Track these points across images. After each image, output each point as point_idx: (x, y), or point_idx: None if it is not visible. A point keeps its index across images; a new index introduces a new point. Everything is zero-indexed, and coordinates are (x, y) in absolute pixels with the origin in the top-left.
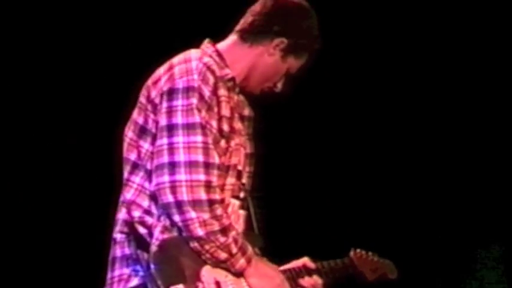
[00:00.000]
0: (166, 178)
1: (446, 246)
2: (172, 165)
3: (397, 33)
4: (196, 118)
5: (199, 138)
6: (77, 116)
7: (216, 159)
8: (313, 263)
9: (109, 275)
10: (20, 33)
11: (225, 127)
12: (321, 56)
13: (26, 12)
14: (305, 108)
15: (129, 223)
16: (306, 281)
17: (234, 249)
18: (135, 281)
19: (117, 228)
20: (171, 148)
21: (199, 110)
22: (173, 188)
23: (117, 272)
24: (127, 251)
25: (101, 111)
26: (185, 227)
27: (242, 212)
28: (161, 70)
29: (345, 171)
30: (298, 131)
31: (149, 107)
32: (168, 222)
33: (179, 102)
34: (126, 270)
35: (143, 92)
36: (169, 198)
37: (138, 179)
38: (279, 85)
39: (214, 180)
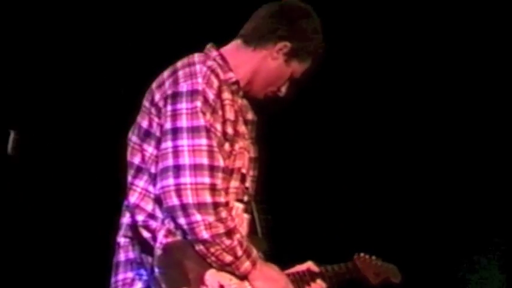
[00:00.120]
0: (171, 181)
1: (448, 249)
2: (177, 168)
3: (398, 37)
4: (201, 121)
5: (203, 141)
6: (81, 120)
7: (220, 162)
8: (317, 267)
9: (113, 279)
10: (26, 39)
11: (230, 130)
12: (325, 61)
13: (34, 18)
14: (309, 112)
15: (133, 227)
16: (310, 285)
17: (239, 252)
18: (139, 285)
19: (121, 232)
20: (176, 151)
21: (203, 113)
22: (178, 191)
23: (121, 276)
24: (131, 255)
25: (105, 115)
26: (190, 230)
27: (246, 216)
28: (165, 74)
29: (348, 176)
30: (302, 135)
31: (153, 110)
32: (172, 226)
33: (183, 105)
34: (130, 274)
35: (147, 96)
36: (174, 201)
37: (142, 182)
38: (283, 89)
39: (219, 183)
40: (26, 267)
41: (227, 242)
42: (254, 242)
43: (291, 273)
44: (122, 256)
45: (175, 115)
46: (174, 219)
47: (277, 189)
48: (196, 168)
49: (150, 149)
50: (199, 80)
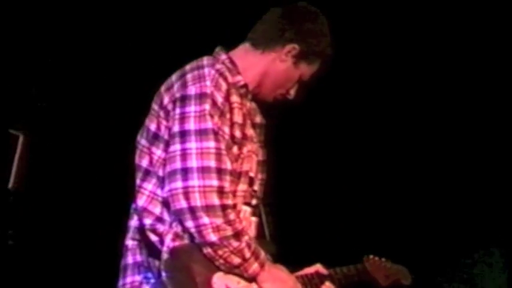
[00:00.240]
0: (179, 184)
1: (453, 250)
2: (185, 171)
3: (402, 40)
4: (209, 124)
5: (211, 144)
6: (90, 123)
7: (228, 165)
8: (325, 269)
9: (121, 282)
10: (36, 45)
11: (237, 133)
12: (332, 65)
13: (45, 27)
14: (317, 115)
15: (141, 230)
16: (319, 287)
17: (247, 254)
18: None
19: (129, 235)
20: (184, 154)
21: (211, 116)
22: (186, 194)
23: (128, 279)
24: (138, 258)
25: (114, 118)
26: (198, 233)
27: (254, 219)
28: (174, 77)
29: (357, 178)
30: (310, 138)
31: (162, 113)
32: (179, 229)
33: (192, 108)
34: (138, 277)
35: (156, 99)
36: (182, 204)
37: (150, 186)
38: (292, 92)
39: (227, 185)
40: (35, 269)
41: (235, 244)
42: (262, 244)
43: (300, 276)
44: (129, 259)
45: (183, 118)
46: (181, 222)
47: (285, 192)
48: (204, 171)
49: (158, 152)
50: (208, 83)
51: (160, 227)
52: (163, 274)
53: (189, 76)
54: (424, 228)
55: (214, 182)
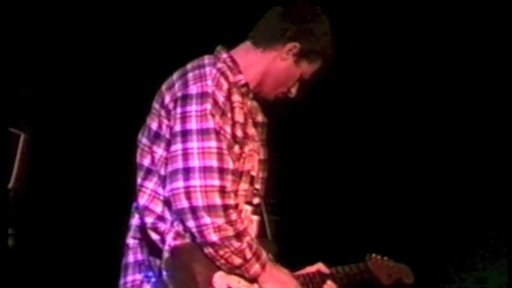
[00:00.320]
0: (180, 183)
1: (456, 249)
2: (187, 171)
3: (402, 40)
4: (210, 123)
5: (213, 143)
6: (91, 122)
7: (230, 164)
8: (327, 268)
9: (122, 281)
10: (37, 44)
11: (239, 133)
12: (333, 64)
13: (45, 26)
14: (319, 114)
15: (142, 229)
16: (321, 286)
17: (249, 255)
18: (147, 287)
19: (130, 233)
20: (186, 153)
21: (213, 116)
22: (188, 194)
23: (129, 278)
24: (139, 256)
25: (116, 117)
26: (199, 233)
27: (255, 218)
28: (175, 76)
29: (359, 177)
30: (311, 137)
31: (163, 112)
32: (181, 228)
33: (193, 107)
34: (139, 276)
35: (157, 98)
36: (184, 203)
37: (151, 184)
38: (293, 90)
39: (229, 185)
40: (36, 268)
41: (236, 244)
42: (263, 243)
43: (301, 275)
44: (130, 258)
45: (185, 117)
46: (183, 221)
47: (287, 190)
48: (205, 170)
49: (159, 151)
50: (209, 82)
51: (162, 226)
52: (164, 273)
53: (190, 75)
54: (426, 226)
55: (216, 182)
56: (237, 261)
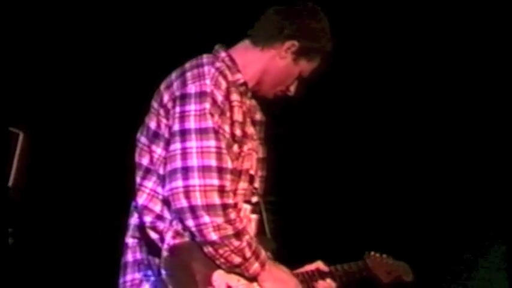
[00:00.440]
0: (180, 183)
1: (454, 248)
2: (186, 170)
3: (401, 39)
4: (209, 123)
5: (212, 143)
6: (90, 121)
7: (229, 163)
8: (326, 266)
9: (121, 280)
10: (36, 43)
11: (238, 132)
12: (333, 61)
13: (42, 25)
14: (317, 112)
15: (141, 228)
16: (320, 284)
17: (248, 253)
18: (146, 286)
19: (129, 233)
20: (185, 153)
21: (212, 115)
22: (187, 193)
23: (129, 277)
24: (138, 255)
25: (114, 116)
26: (199, 232)
27: (254, 216)
28: (173, 75)
29: (358, 175)
30: (311, 135)
31: (162, 111)
32: (180, 227)
33: (192, 107)
34: (138, 275)
35: (155, 97)
36: (183, 203)
37: (150, 184)
38: (292, 88)
39: (228, 184)
40: (35, 267)
41: (236, 243)
42: (263, 242)
43: (300, 273)
44: (129, 257)
45: (183, 117)
46: (182, 221)
47: (286, 189)
48: (204, 170)
49: (158, 150)
50: (208, 81)
51: (161, 225)
52: (163, 272)
53: (188, 74)
54: (426, 224)
55: (215, 181)
56: (237, 260)
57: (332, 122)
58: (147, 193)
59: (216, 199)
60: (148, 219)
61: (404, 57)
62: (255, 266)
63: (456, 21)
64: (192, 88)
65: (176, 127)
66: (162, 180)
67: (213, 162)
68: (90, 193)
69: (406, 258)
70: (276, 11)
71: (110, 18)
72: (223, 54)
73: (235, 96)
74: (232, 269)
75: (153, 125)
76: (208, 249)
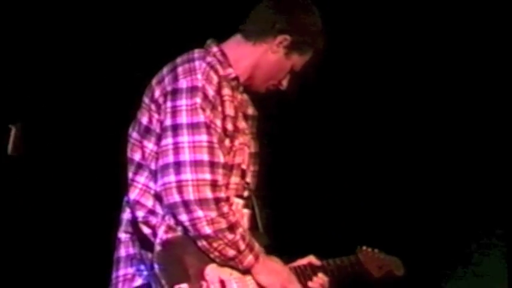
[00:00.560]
0: (172, 178)
1: (449, 240)
2: (178, 165)
3: (398, 35)
4: (201, 117)
5: (204, 137)
6: (81, 116)
7: (221, 158)
8: (318, 260)
9: (114, 275)
10: (26, 36)
11: (229, 126)
12: (325, 56)
13: (34, 15)
14: (310, 106)
15: (134, 223)
16: (314, 281)
17: (242, 246)
18: (139, 281)
19: (122, 228)
20: (176, 148)
21: (203, 110)
22: (179, 188)
23: (121, 272)
24: (131, 250)
25: (106, 111)
26: (192, 226)
27: (246, 211)
28: (165, 70)
29: (349, 169)
30: (303, 129)
31: (153, 107)
32: (172, 222)
33: (183, 101)
34: (131, 270)
35: (147, 92)
36: (175, 197)
37: (142, 179)
38: (284, 82)
39: (220, 179)
40: (26, 262)
41: (230, 236)
42: (255, 236)
43: (293, 267)
44: (122, 252)
45: (175, 112)
46: (175, 215)
47: (278, 183)
48: (196, 164)
49: (150, 146)
50: (199, 76)
51: (153, 220)
52: (156, 266)
53: (180, 69)
54: (419, 218)
55: (207, 176)
56: (231, 253)
57: (323, 116)
58: (139, 188)
59: (208, 193)
60: (140, 214)
61: (401, 53)
62: (249, 258)
63: (455, 18)
64: (183, 83)
65: (168, 122)
66: (154, 175)
67: (205, 157)
68: (82, 188)
69: (398, 253)
70: (267, 5)
71: (101, 14)
72: (214, 48)
73: (226, 91)
74: (226, 262)
75: (144, 120)
76: (203, 243)
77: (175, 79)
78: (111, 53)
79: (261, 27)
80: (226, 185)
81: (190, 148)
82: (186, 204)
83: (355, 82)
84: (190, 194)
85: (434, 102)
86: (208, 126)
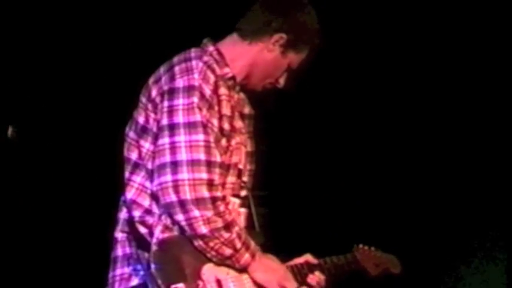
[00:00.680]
0: (168, 177)
1: (447, 239)
2: (175, 165)
3: (397, 32)
4: (198, 117)
5: (200, 136)
6: (78, 116)
7: (217, 157)
8: (315, 259)
9: (110, 274)
10: (23, 35)
11: (226, 126)
12: (322, 54)
13: (29, 14)
14: (306, 105)
15: (130, 222)
16: (311, 278)
17: (238, 245)
18: (135, 281)
19: (119, 227)
20: (173, 147)
21: (200, 109)
22: (176, 187)
23: (118, 271)
24: (128, 250)
25: (103, 111)
26: (189, 226)
27: (243, 210)
28: (161, 69)
29: (346, 168)
30: (299, 128)
31: (150, 106)
32: (169, 221)
33: (180, 101)
34: (127, 270)
35: (144, 92)
36: (172, 197)
37: (139, 178)
38: (281, 81)
39: (216, 178)
40: (23, 262)
41: (226, 235)
42: (251, 235)
43: (289, 266)
44: (119, 251)
45: (171, 111)
46: (171, 215)
47: (275, 182)
48: (193, 164)
49: (146, 145)
50: (196, 75)
51: (150, 219)
52: (153, 266)
53: (176, 69)
54: (416, 216)
55: (204, 175)
56: (228, 251)
57: (320, 115)
58: (136, 188)
59: (205, 192)
60: (137, 213)
61: (398, 51)
62: (246, 257)
63: (454, 17)
64: (180, 82)
65: (164, 121)
66: (151, 174)
67: (202, 156)
68: (78, 188)
69: (394, 251)
70: (263, 4)
71: (97, 13)
72: (211, 48)
73: (223, 90)
74: (223, 261)
75: (141, 119)
76: (199, 243)
77: (172, 78)
78: (107, 53)
79: (257, 26)
80: (223, 185)
81: (187, 147)
82: (182, 203)
83: (351, 81)
84: (187, 194)
85: (432, 102)
86: (205, 126)
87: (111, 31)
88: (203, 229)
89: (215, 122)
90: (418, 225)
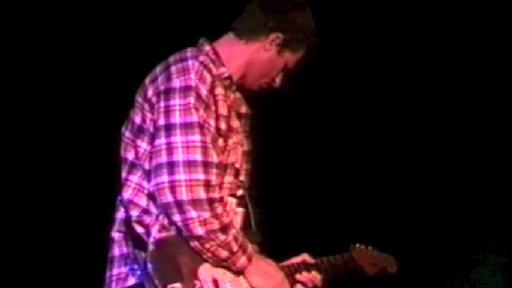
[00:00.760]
0: (165, 178)
1: (445, 241)
2: (171, 165)
3: (396, 31)
4: (194, 117)
5: (197, 137)
6: (75, 116)
7: (214, 158)
8: (312, 258)
9: (107, 274)
10: (20, 34)
11: (223, 126)
12: (319, 54)
13: (27, 13)
14: (303, 104)
15: (127, 222)
16: (303, 276)
17: (235, 247)
18: (132, 280)
19: (115, 227)
20: (170, 148)
21: (196, 109)
22: (173, 188)
23: (115, 271)
24: (125, 250)
25: (99, 110)
26: (185, 227)
27: (240, 210)
28: (158, 69)
29: (343, 167)
30: (296, 127)
31: (146, 106)
32: (166, 221)
33: (176, 101)
34: (124, 269)
35: (140, 91)
36: (169, 198)
37: (136, 178)
38: (277, 80)
39: (214, 179)
40: (20, 262)
41: (222, 237)
42: (248, 235)
43: (286, 266)
44: (116, 251)
45: (168, 111)
46: (168, 215)
47: (272, 181)
48: (190, 164)
49: (143, 145)
50: (192, 75)
51: (147, 219)
52: (149, 266)
53: (173, 68)
54: (413, 216)
55: (201, 176)
56: (224, 254)
57: (315, 115)
58: (133, 187)
59: (201, 194)
60: (134, 213)
61: (396, 50)
62: (242, 260)
63: (454, 17)
64: (176, 82)
65: (161, 122)
66: (148, 174)
67: (199, 157)
68: (75, 188)
69: (391, 250)
70: (259, 3)
71: (94, 13)
72: (207, 47)
73: (219, 90)
74: (219, 263)
75: (138, 119)
76: (195, 244)
77: (169, 78)
78: (104, 52)
79: (254, 26)
80: (220, 185)
81: (184, 148)
82: (179, 204)
83: (346, 81)
84: (184, 195)
85: (431, 104)
86: (201, 126)
87: (107, 31)
88: (199, 230)
89: (212, 122)
90: (415, 225)
